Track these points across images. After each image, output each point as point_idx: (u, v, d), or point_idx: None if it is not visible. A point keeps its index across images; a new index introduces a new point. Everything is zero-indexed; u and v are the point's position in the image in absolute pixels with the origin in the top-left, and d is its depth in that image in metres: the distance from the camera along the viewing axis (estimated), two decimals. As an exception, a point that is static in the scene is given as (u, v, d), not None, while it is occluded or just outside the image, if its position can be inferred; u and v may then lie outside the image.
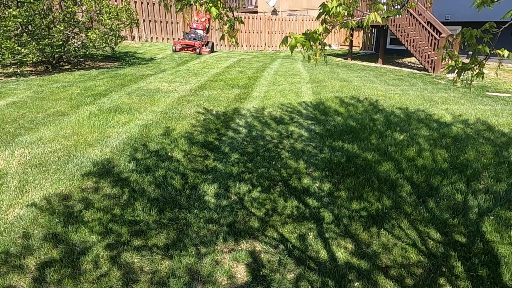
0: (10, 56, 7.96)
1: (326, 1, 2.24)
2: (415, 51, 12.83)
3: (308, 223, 3.28)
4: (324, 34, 2.43)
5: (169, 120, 5.77)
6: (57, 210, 3.27)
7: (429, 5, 14.23)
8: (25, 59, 8.44)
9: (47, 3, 8.97)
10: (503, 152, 4.81)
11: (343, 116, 6.32)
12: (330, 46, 18.84)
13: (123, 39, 10.97)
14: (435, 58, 12.28)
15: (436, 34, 12.55)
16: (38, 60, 9.10)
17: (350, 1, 2.48)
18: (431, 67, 12.41)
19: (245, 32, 19.43)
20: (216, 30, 17.72)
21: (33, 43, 8.24)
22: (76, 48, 9.55)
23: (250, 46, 19.90)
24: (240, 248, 2.94)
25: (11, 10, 7.77)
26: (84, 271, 2.62)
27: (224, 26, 3.38)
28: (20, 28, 8.43)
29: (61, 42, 8.85)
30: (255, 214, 3.39)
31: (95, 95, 7.02)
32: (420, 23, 12.84)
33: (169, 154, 4.52)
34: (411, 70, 13.05)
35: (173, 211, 3.37)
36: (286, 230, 3.18)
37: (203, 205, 3.49)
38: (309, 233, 3.15)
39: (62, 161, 4.20)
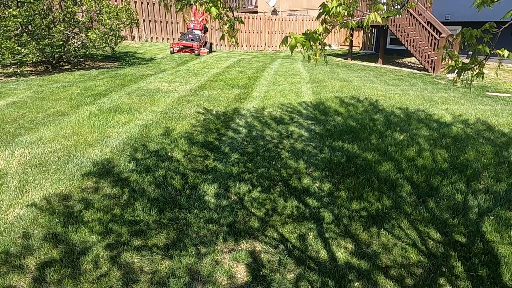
0: (10, 56, 7.96)
1: (326, 1, 2.24)
2: (415, 51, 12.83)
3: (308, 223, 3.28)
4: (324, 34, 2.43)
5: (169, 120, 5.77)
6: (57, 210, 3.28)
7: (429, 5, 14.23)
8: (25, 59, 8.44)
9: (47, 3, 8.97)
10: (503, 152, 4.81)
11: (343, 116, 6.32)
12: (330, 46, 18.85)
13: (123, 39, 10.97)
14: (435, 58, 12.28)
15: (436, 34, 12.55)
16: (38, 60, 9.11)
17: (350, 1, 2.48)
18: (431, 67, 12.41)
19: (245, 32, 19.42)
20: (216, 30, 17.73)
21: (33, 43, 8.24)
22: (76, 48, 9.55)
23: (250, 46, 19.90)
24: (240, 248, 2.94)
25: (11, 10, 7.77)
26: (84, 271, 2.62)
27: (224, 26, 3.39)
28: (20, 28, 8.43)
29: (61, 42, 8.85)
30: (255, 214, 3.39)
31: (95, 95, 7.02)
32: (420, 23, 12.84)
33: (169, 154, 4.52)
34: (411, 70, 13.04)
35: (173, 211, 3.37)
36: (286, 230, 3.18)
37: (203, 205, 3.49)
38: (309, 233, 3.15)
39: (62, 161, 4.20)
